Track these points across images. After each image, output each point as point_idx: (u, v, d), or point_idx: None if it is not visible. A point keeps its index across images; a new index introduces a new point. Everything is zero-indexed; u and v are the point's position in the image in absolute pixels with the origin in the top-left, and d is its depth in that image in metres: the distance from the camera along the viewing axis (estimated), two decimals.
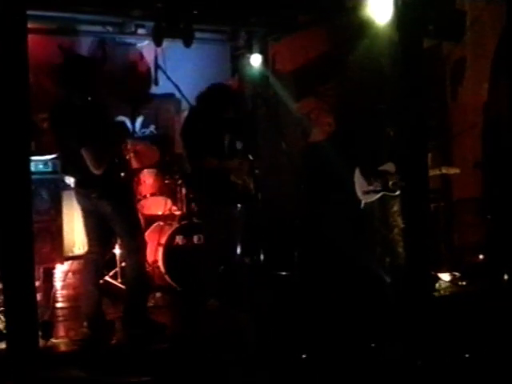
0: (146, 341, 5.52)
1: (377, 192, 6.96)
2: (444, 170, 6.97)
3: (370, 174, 7.00)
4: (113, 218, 5.72)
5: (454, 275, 7.15)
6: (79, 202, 5.87)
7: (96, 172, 5.44)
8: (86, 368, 4.86)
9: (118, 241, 6.96)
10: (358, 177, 7.12)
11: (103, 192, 5.61)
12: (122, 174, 5.80)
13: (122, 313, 5.91)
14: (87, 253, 5.88)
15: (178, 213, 7.82)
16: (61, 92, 5.70)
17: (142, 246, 5.90)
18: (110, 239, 6.56)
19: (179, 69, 8.27)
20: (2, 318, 5.40)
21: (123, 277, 6.94)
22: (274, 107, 8.62)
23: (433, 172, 6.72)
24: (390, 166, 6.91)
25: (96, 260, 5.85)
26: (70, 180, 6.96)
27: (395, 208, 6.93)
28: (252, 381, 4.88)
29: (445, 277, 7.11)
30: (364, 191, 7.06)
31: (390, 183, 6.84)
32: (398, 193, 6.67)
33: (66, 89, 5.59)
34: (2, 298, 5.33)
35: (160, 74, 7.80)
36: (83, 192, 5.75)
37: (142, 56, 8.87)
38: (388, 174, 6.89)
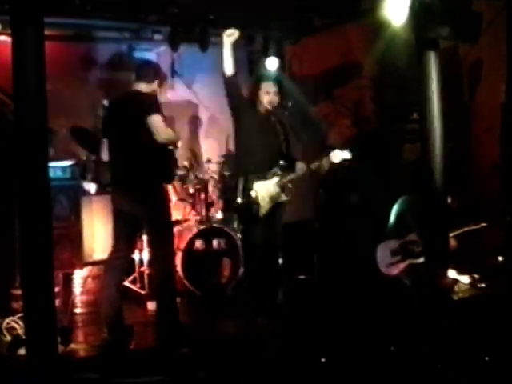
0: (174, 344, 5.54)
1: (403, 261, 6.97)
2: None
3: (395, 248, 7.03)
4: (145, 221, 5.78)
5: (474, 277, 7.11)
6: (113, 202, 5.93)
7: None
8: (104, 372, 4.88)
9: (138, 245, 7.04)
10: (380, 251, 7.12)
11: (139, 193, 5.67)
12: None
13: (155, 317, 5.95)
14: (112, 258, 5.88)
15: (197, 218, 7.83)
16: None
17: (169, 253, 5.94)
18: (136, 244, 6.61)
19: (196, 74, 8.31)
20: (22, 323, 5.43)
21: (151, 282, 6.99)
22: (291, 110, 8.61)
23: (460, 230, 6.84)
24: (412, 236, 6.92)
25: (121, 265, 5.89)
26: (89, 186, 7.03)
27: None
28: None
29: (464, 279, 7.07)
30: (387, 264, 7.06)
31: (417, 251, 6.85)
32: (422, 259, 6.68)
33: None
34: (21, 303, 5.37)
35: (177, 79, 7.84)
36: (118, 191, 5.83)
37: None
38: (413, 244, 6.91)
